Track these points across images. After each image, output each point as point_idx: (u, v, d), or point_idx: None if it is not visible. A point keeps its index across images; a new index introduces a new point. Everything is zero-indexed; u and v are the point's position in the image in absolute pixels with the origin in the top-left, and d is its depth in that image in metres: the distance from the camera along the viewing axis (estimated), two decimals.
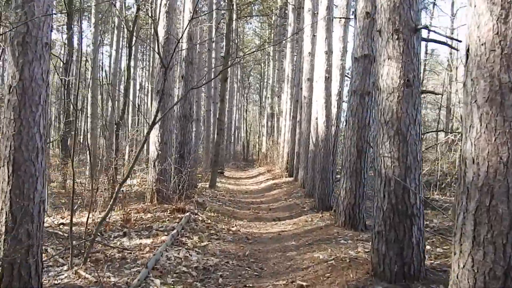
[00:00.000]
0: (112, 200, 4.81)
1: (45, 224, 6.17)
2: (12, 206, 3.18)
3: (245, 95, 34.93)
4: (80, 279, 4.09)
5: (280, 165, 17.55)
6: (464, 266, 2.44)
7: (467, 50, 2.46)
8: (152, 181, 8.02)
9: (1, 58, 4.77)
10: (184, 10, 10.98)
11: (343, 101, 9.32)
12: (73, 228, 5.82)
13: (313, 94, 10.74)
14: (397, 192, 3.97)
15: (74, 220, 6.40)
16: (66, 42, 13.08)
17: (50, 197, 9.12)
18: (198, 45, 12.77)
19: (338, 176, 9.71)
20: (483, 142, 2.35)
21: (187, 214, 7.17)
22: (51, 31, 3.36)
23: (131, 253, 5.02)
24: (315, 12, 11.33)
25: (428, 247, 5.03)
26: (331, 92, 9.14)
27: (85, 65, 14.37)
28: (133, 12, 17.54)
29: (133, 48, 19.33)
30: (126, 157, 13.90)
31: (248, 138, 32.49)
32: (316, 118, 9.58)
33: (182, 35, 5.01)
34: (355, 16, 6.72)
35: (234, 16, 17.79)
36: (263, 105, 32.37)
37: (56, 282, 4.04)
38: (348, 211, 6.55)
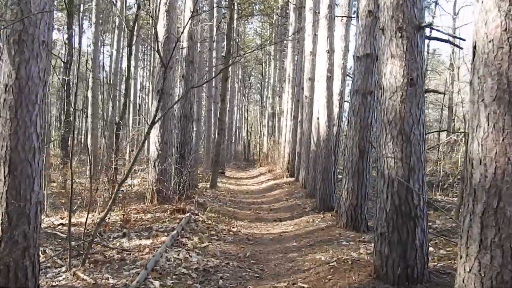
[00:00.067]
0: (111, 200, 4.76)
1: (44, 225, 6.13)
2: (8, 207, 3.12)
3: (246, 95, 34.88)
4: (78, 281, 4.04)
5: (281, 165, 17.49)
6: (470, 270, 2.37)
7: (474, 47, 2.40)
8: (152, 181, 7.96)
9: None
10: (185, 10, 10.91)
11: (344, 101, 9.25)
12: (73, 229, 5.78)
13: (314, 93, 10.68)
14: (400, 193, 3.91)
15: (74, 220, 6.37)
16: (66, 41, 13.03)
17: (50, 197, 9.07)
18: (199, 45, 12.73)
19: (340, 176, 9.64)
20: (491, 142, 2.28)
21: (188, 214, 7.11)
22: (50, 30, 3.30)
23: (130, 254, 4.96)
24: (317, 11, 11.26)
25: (431, 248, 4.96)
26: (333, 91, 9.08)
27: (86, 65, 14.35)
28: (134, 12, 17.49)
29: (134, 47, 19.30)
30: (127, 157, 13.86)
31: (249, 138, 32.43)
32: (318, 118, 9.51)
33: (182, 33, 4.94)
34: (357, 14, 6.66)
35: (235, 15, 17.74)
36: (264, 105, 32.32)
37: (53, 283, 3.98)
38: (350, 212, 6.49)
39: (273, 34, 25.40)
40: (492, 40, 2.27)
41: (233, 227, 7.42)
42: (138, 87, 30.10)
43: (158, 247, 5.15)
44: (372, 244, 4.59)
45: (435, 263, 4.59)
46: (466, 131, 7.77)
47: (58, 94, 22.89)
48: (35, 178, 3.24)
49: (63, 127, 11.25)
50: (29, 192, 3.19)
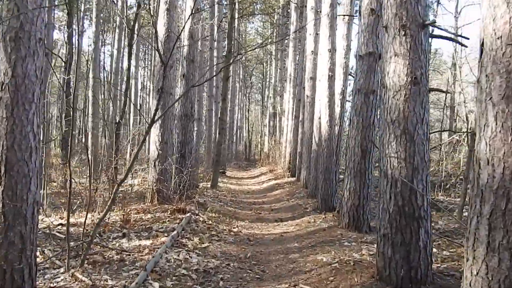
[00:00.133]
0: (110, 200, 4.70)
1: (43, 225, 6.07)
2: (4, 207, 3.06)
3: (247, 95, 34.83)
4: (76, 282, 3.97)
5: (282, 165, 17.44)
6: (477, 273, 2.30)
7: (482, 44, 2.32)
8: (153, 181, 7.91)
9: None
10: (186, 9, 10.86)
11: (346, 100, 9.19)
12: (72, 229, 5.73)
13: (316, 93, 10.60)
14: (404, 194, 3.84)
15: (74, 220, 6.32)
16: (66, 40, 12.99)
17: (50, 197, 9.03)
18: (199, 44, 12.67)
19: (341, 176, 9.58)
20: (499, 142, 2.21)
21: (188, 214, 7.05)
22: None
23: (129, 255, 4.90)
24: (318, 10, 11.19)
25: (434, 250, 4.88)
26: (335, 91, 9.01)
27: (87, 64, 14.31)
28: (134, 12, 17.45)
29: (134, 47, 19.25)
30: (127, 156, 13.81)
31: (250, 137, 32.37)
32: (319, 118, 9.45)
33: (181, 30, 4.88)
34: (359, 13, 6.59)
35: (236, 14, 17.67)
36: (265, 104, 32.28)
37: (51, 285, 3.92)
38: (352, 212, 6.42)
39: (274, 34, 25.33)
40: (501, 37, 2.20)
41: (234, 228, 7.35)
42: (139, 86, 30.10)
43: (158, 248, 5.09)
44: (375, 245, 4.53)
45: (439, 265, 4.52)
46: (468, 131, 7.70)
47: (59, 93, 22.87)
48: (32, 178, 3.18)
49: (63, 126, 11.21)
50: (25, 192, 3.13)
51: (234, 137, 32.08)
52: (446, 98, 17.56)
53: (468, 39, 5.11)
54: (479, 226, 2.31)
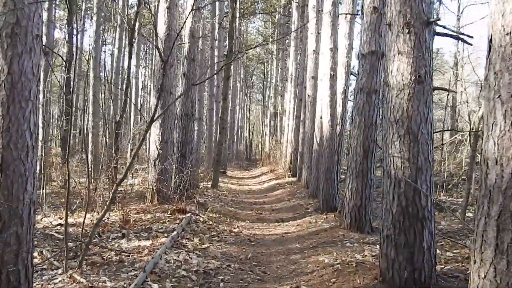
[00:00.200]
0: (109, 200, 4.63)
1: (42, 225, 6.02)
2: None
3: (248, 94, 34.78)
4: (74, 284, 3.91)
5: (283, 165, 17.37)
6: (485, 276, 2.23)
7: (490, 41, 2.25)
8: (153, 181, 7.84)
9: None
10: (187, 8, 10.80)
11: (348, 100, 9.12)
12: (71, 229, 5.67)
13: (317, 92, 10.54)
14: (407, 194, 3.77)
15: (73, 220, 6.26)
16: (66, 39, 12.94)
17: (49, 197, 8.97)
18: (200, 43, 12.60)
19: (343, 176, 9.51)
20: (508, 141, 2.14)
21: (188, 215, 6.98)
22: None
23: (129, 255, 4.84)
24: (320, 9, 11.12)
25: (437, 251, 4.82)
26: (336, 90, 8.94)
27: (88, 63, 14.25)
28: (135, 11, 17.39)
29: (135, 46, 19.20)
30: (128, 156, 13.75)
31: (251, 137, 32.32)
32: (321, 117, 9.38)
33: (181, 28, 4.81)
34: (362, 11, 6.52)
35: (237, 13, 17.61)
36: (266, 104, 32.21)
37: (49, 286, 3.86)
38: (354, 213, 6.35)
39: (275, 33, 25.27)
40: (510, 32, 2.13)
41: (234, 228, 7.29)
42: (140, 86, 30.03)
43: (158, 249, 5.02)
44: (377, 246, 4.46)
45: (442, 266, 4.44)
46: (471, 130, 7.62)
47: (60, 92, 22.82)
48: (28, 178, 3.11)
49: (63, 125, 11.16)
50: (21, 192, 3.07)
51: (235, 137, 32.01)
52: (448, 97, 17.47)
53: (472, 37, 5.05)
54: (487, 228, 2.24)
